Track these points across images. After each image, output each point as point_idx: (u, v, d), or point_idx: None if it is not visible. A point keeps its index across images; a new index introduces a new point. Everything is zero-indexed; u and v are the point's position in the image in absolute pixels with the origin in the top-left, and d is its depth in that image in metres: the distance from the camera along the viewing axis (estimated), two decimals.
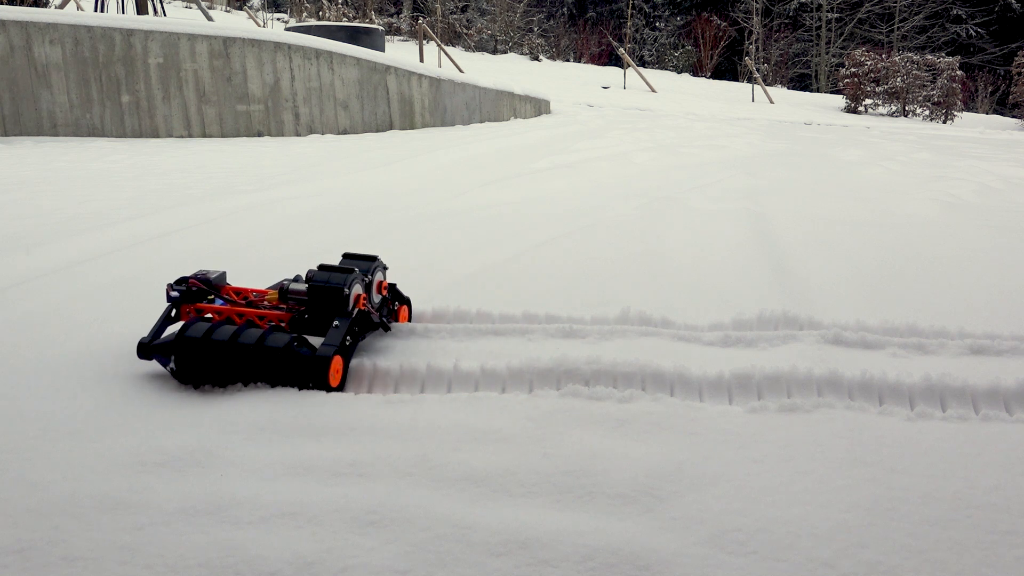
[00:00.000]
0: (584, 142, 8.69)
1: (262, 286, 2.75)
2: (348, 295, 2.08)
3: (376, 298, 2.27)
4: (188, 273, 2.83)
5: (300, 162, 6.61)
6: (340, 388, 2.02)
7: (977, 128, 16.64)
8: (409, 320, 2.53)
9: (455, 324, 2.49)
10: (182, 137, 8.26)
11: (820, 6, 32.63)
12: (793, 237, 3.87)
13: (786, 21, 32.84)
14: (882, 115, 19.06)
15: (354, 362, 2.11)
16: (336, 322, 2.05)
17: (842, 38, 32.95)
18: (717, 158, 7.52)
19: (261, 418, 1.83)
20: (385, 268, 2.33)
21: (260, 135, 8.68)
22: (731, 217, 4.38)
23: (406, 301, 2.50)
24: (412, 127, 9.91)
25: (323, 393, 2.00)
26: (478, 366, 2.11)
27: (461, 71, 15.31)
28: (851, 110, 19.29)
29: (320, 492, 1.52)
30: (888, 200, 5.17)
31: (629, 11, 29.70)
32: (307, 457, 1.65)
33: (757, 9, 29.89)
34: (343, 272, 2.11)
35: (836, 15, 32.89)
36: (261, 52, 8.60)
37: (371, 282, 2.23)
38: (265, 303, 2.23)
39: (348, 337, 2.05)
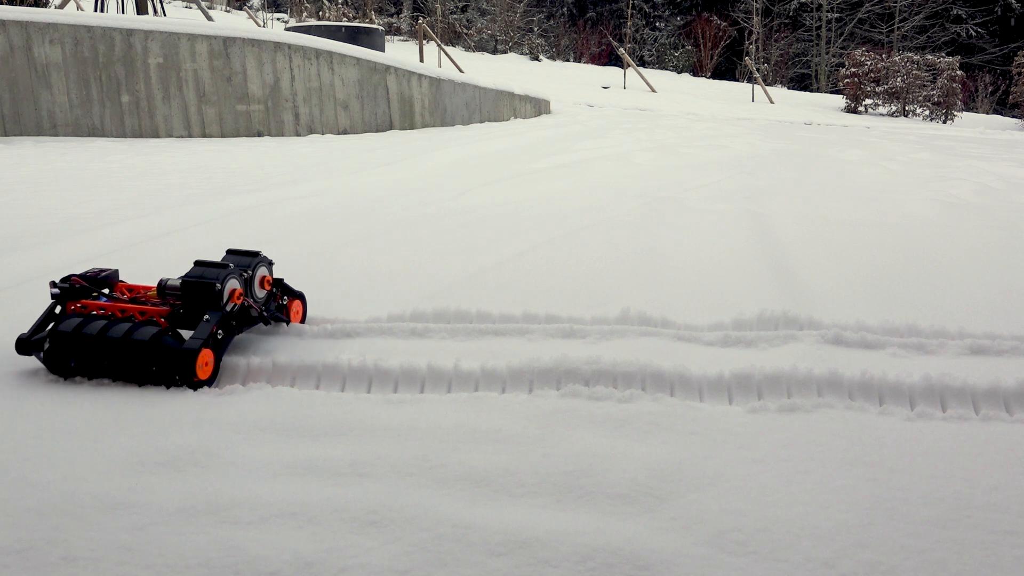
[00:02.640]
0: (584, 142, 8.69)
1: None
2: (221, 291, 2.11)
3: (260, 293, 2.30)
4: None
5: (300, 162, 6.61)
6: (210, 382, 2.04)
7: (977, 128, 16.65)
8: (304, 314, 2.54)
9: (455, 324, 2.49)
10: (182, 137, 8.26)
11: (820, 6, 32.62)
12: (793, 237, 3.87)
13: (786, 21, 32.83)
14: (882, 115, 19.05)
15: (356, 362, 2.11)
16: (207, 316, 2.08)
17: (842, 38, 32.94)
18: (717, 158, 7.52)
19: (261, 418, 1.83)
20: (270, 263, 2.37)
21: (260, 135, 8.68)
22: (731, 217, 4.38)
23: (299, 296, 2.52)
24: (412, 127, 9.91)
25: (323, 393, 2.00)
26: (478, 366, 2.11)
27: (461, 71, 15.31)
28: (851, 110, 19.29)
29: (320, 492, 1.52)
30: (888, 200, 5.18)
31: (629, 11, 29.69)
32: (307, 457, 1.65)
33: (757, 9, 29.88)
34: (218, 268, 2.15)
35: (836, 15, 32.88)
36: (261, 52, 8.60)
37: (251, 277, 2.26)
38: (147, 299, 2.26)
39: (220, 331, 2.09)
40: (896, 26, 32.35)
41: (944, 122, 18.40)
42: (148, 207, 4.41)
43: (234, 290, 2.16)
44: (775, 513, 1.46)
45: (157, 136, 8.15)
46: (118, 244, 3.50)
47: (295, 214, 4.29)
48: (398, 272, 3.14)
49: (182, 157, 6.72)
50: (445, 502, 1.49)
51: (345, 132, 9.28)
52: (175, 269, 3.06)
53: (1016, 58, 19.41)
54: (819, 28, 32.90)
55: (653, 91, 19.37)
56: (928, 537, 1.39)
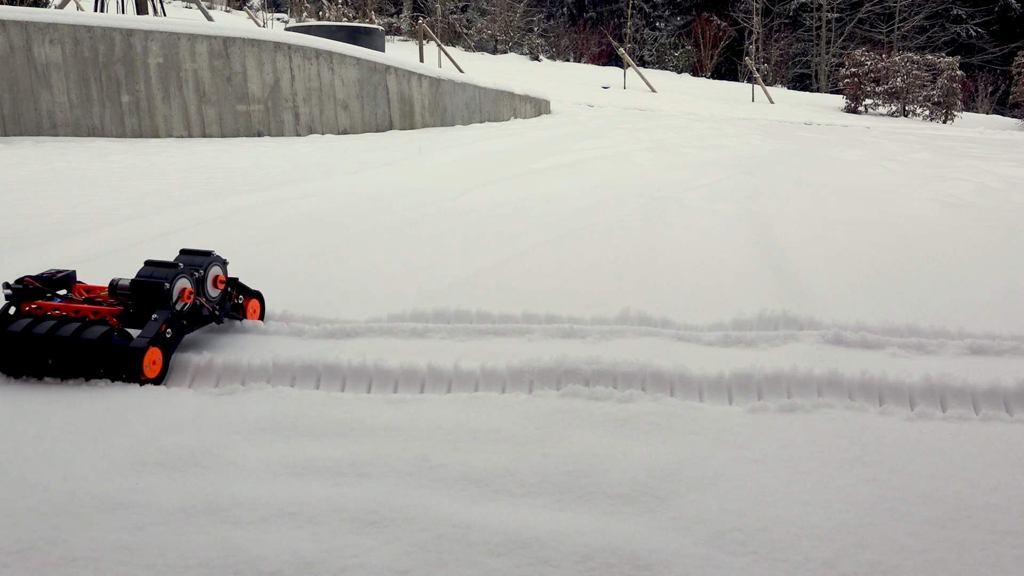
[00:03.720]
0: (584, 142, 8.69)
1: (265, 286, 2.76)
2: (169, 290, 2.14)
3: (214, 292, 2.34)
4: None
5: (300, 162, 6.61)
6: (158, 380, 2.05)
7: (977, 128, 16.65)
8: (262, 313, 2.56)
9: (455, 324, 2.49)
10: (182, 137, 8.26)
11: (820, 6, 32.62)
12: (793, 237, 3.87)
13: (786, 21, 32.84)
14: (882, 115, 19.05)
15: (356, 362, 2.11)
16: (155, 315, 2.11)
17: (842, 38, 32.94)
18: (717, 158, 7.52)
19: (261, 418, 1.83)
20: (224, 263, 2.39)
21: (260, 135, 8.68)
22: (731, 217, 4.38)
23: (255, 295, 2.54)
24: (412, 127, 9.91)
25: (323, 393, 2.00)
26: (478, 366, 2.11)
27: (461, 71, 15.31)
28: (851, 110, 19.29)
29: (320, 492, 1.52)
30: (888, 200, 5.18)
31: (629, 11, 29.69)
32: (307, 457, 1.65)
33: (757, 9, 29.88)
34: (167, 267, 2.19)
35: (836, 15, 32.88)
36: (261, 52, 8.60)
37: (203, 277, 2.29)
38: (103, 300, 2.29)
39: (169, 330, 2.11)
40: (896, 26, 32.35)
41: (944, 122, 18.40)
42: (148, 207, 4.41)
43: (184, 289, 2.19)
44: (775, 513, 1.46)
45: (157, 136, 8.15)
46: (118, 244, 3.50)
47: (295, 214, 4.29)
48: (398, 272, 3.14)
49: (182, 157, 6.72)
50: (445, 502, 1.49)
51: (345, 132, 9.28)
52: None
53: (1016, 58, 19.41)
54: (819, 28, 32.90)
55: (653, 91, 19.37)
56: (928, 537, 1.39)
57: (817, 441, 1.74)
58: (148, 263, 2.20)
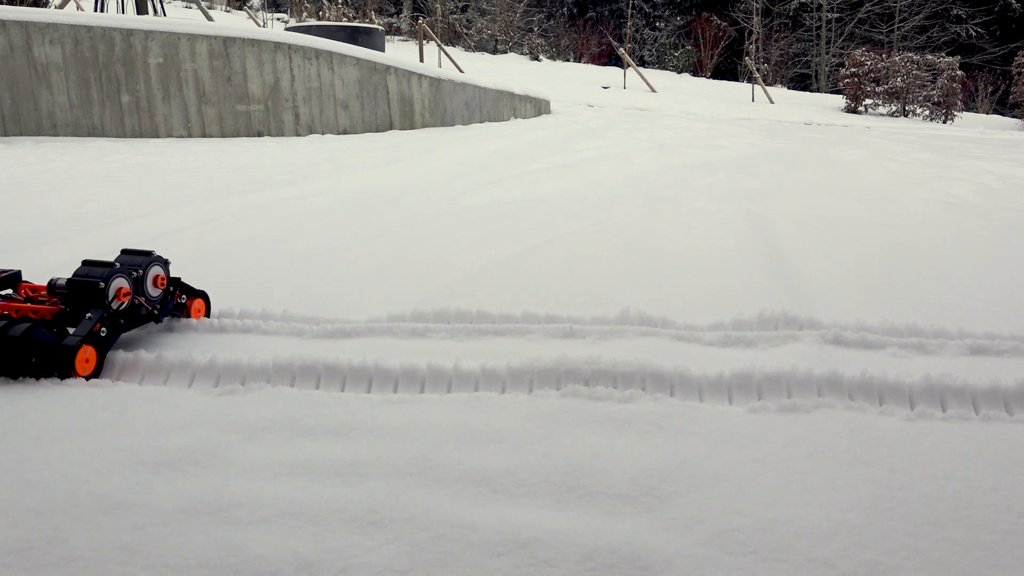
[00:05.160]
0: (584, 142, 8.69)
1: (265, 286, 2.76)
2: (105, 289, 2.16)
3: (154, 291, 2.36)
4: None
5: (300, 162, 6.61)
6: (92, 378, 2.07)
7: (977, 128, 16.64)
8: (208, 313, 2.59)
9: (455, 324, 2.49)
10: (182, 137, 8.26)
11: (820, 6, 32.61)
12: (793, 237, 3.87)
13: (786, 21, 32.84)
14: (882, 115, 19.05)
15: (356, 362, 2.11)
16: (89, 314, 2.13)
17: (842, 38, 32.94)
18: (717, 158, 7.52)
19: (261, 418, 1.83)
20: (166, 262, 2.41)
21: (260, 135, 8.68)
22: (731, 217, 4.38)
23: (200, 294, 2.57)
24: (412, 127, 9.91)
25: (323, 393, 2.00)
26: (478, 366, 2.11)
27: (461, 71, 15.31)
28: (851, 110, 19.28)
29: (320, 492, 1.52)
30: (888, 200, 5.18)
31: (629, 11, 29.70)
32: (307, 457, 1.65)
33: (757, 9, 29.87)
34: (104, 267, 2.21)
35: (836, 15, 32.88)
36: (261, 52, 8.60)
37: (142, 276, 2.31)
38: (46, 299, 2.31)
39: (104, 328, 2.13)
40: (896, 26, 32.35)
41: (944, 122, 18.39)
42: (148, 207, 4.41)
43: (120, 288, 2.21)
44: (775, 513, 1.46)
45: (157, 136, 8.15)
46: (118, 244, 3.50)
47: (295, 214, 4.29)
48: (398, 272, 3.14)
49: (182, 157, 6.72)
50: (445, 502, 1.49)
51: (345, 132, 9.28)
52: (175, 269, 3.06)
53: (1016, 58, 19.41)
54: (819, 28, 32.90)
55: (653, 91, 19.37)
56: (928, 537, 1.39)
57: (817, 441, 1.74)
58: (85, 263, 2.23)
